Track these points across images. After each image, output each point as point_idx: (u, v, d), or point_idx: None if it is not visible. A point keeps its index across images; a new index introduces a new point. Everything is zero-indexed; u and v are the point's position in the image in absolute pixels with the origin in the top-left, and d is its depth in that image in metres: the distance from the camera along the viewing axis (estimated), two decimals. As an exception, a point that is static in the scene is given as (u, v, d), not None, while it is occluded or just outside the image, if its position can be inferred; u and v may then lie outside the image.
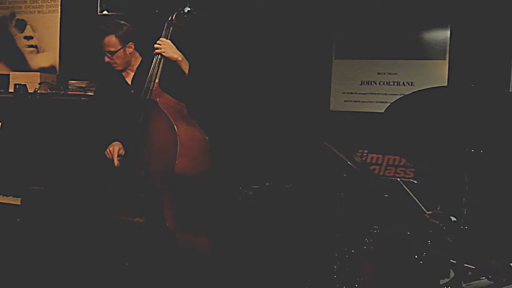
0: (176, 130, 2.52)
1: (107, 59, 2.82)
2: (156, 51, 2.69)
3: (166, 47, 2.69)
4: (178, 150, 2.49)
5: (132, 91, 2.85)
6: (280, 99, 3.36)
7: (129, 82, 2.94)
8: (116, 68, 2.86)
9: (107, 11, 3.79)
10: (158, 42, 2.71)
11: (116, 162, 2.68)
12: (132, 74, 2.93)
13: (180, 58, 2.71)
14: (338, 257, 2.50)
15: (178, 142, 2.50)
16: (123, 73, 2.95)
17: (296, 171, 3.15)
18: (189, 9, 2.75)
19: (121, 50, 2.81)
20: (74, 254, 2.88)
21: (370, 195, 2.75)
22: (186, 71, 2.73)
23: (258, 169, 3.25)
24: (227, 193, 3.12)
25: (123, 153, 2.72)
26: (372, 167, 3.10)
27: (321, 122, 3.32)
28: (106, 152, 2.73)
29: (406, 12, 3.22)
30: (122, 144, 2.74)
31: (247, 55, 3.39)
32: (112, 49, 2.79)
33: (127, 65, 2.90)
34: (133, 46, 2.88)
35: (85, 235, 2.82)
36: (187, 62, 2.74)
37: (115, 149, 2.71)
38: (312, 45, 3.36)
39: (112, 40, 2.78)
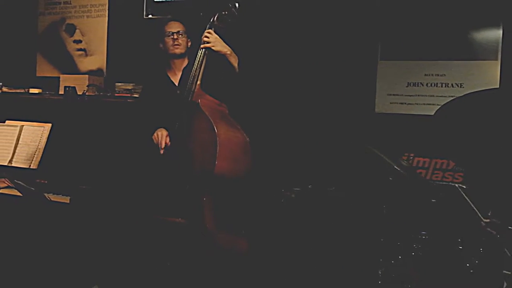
0: (216, 131, 2.51)
1: (176, 36, 2.86)
2: (204, 45, 2.67)
3: (214, 41, 2.67)
4: (217, 152, 2.48)
5: (178, 92, 2.87)
6: (324, 101, 3.29)
7: (176, 83, 2.97)
8: (177, 50, 2.90)
9: (152, 15, 3.84)
10: (205, 34, 2.69)
11: (163, 145, 2.70)
12: (179, 74, 2.97)
13: (229, 52, 2.70)
14: (383, 263, 2.42)
15: (218, 143, 2.49)
16: (170, 74, 2.99)
17: (340, 174, 3.08)
18: (229, 9, 2.73)
19: (187, 38, 2.92)
20: (119, 253, 2.92)
21: (417, 199, 2.66)
22: (236, 65, 2.71)
23: (301, 171, 3.20)
24: (268, 195, 3.09)
25: (169, 143, 2.72)
26: (418, 171, 3.00)
27: (366, 125, 3.24)
28: (153, 136, 2.75)
29: (455, 10, 3.10)
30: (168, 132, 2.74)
31: (292, 55, 3.35)
32: (179, 29, 2.89)
33: (184, 53, 2.93)
34: (190, 43, 2.94)
35: (129, 234, 2.85)
36: (236, 56, 2.72)
37: (163, 134, 2.73)
38: (357, 46, 3.28)
39: (177, 23, 2.92)
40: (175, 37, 2.88)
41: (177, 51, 2.91)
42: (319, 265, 2.81)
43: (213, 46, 2.66)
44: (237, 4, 2.72)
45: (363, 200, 2.86)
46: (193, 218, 2.56)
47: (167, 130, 2.76)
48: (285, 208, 3.00)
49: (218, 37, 2.69)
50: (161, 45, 2.95)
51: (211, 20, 2.74)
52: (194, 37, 2.95)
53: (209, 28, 2.72)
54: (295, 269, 2.82)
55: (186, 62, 2.97)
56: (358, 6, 3.26)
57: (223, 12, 2.73)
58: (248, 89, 2.80)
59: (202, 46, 2.68)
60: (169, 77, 2.99)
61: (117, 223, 2.91)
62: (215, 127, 2.52)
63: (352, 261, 2.73)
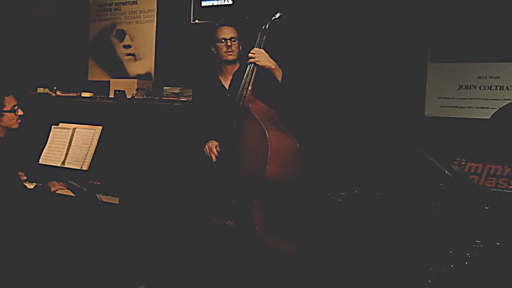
0: (268, 136, 2.53)
1: (229, 43, 2.90)
2: (250, 60, 2.74)
3: (259, 56, 2.74)
4: (269, 156, 2.50)
5: (228, 95, 2.91)
6: (373, 104, 3.23)
7: (227, 87, 3.00)
8: (230, 56, 2.94)
9: (198, 20, 3.88)
10: (252, 52, 2.76)
11: (214, 157, 2.76)
12: (230, 78, 3.00)
13: (273, 66, 2.75)
14: (433, 271, 2.35)
15: (269, 147, 2.51)
16: (221, 77, 3.02)
17: (388, 179, 3.02)
18: (279, 15, 2.76)
19: (239, 43, 2.95)
20: (167, 254, 2.96)
21: (469, 206, 2.56)
22: (279, 79, 2.75)
23: (348, 176, 3.16)
24: (315, 199, 3.05)
25: (218, 150, 2.78)
26: (470, 177, 2.89)
27: (415, 128, 3.15)
28: (204, 149, 2.82)
29: (509, 10, 2.98)
30: (218, 143, 2.80)
31: (339, 59, 3.31)
32: (232, 35, 2.93)
33: (236, 59, 2.97)
34: (241, 47, 2.97)
35: (178, 235, 2.89)
36: (280, 70, 2.76)
37: (213, 144, 2.79)
38: (407, 48, 3.20)
39: (230, 28, 2.95)
40: (229, 44, 2.92)
41: (230, 57, 2.95)
42: (365, 273, 2.75)
43: (258, 62, 2.73)
44: (287, 12, 2.76)
45: (412, 206, 2.78)
46: (243, 221, 2.58)
47: (217, 140, 2.81)
48: (331, 213, 2.97)
49: (264, 52, 2.75)
50: (213, 49, 2.98)
51: (263, 28, 2.78)
52: (245, 40, 2.97)
53: (261, 35, 2.78)
54: (341, 276, 2.78)
55: (237, 66, 3.01)
56: (407, 8, 3.18)
57: (274, 19, 2.77)
58: (296, 95, 2.80)
59: (249, 61, 2.76)
60: (221, 81, 3.02)
61: (166, 224, 2.96)
62: (266, 131, 2.54)
63: (401, 269, 2.66)
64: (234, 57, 2.96)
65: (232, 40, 2.92)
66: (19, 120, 2.96)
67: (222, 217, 2.63)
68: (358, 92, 3.26)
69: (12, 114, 2.91)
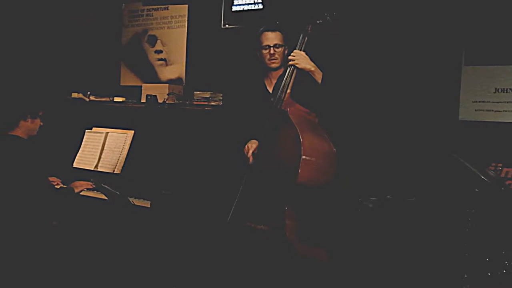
0: (301, 140, 2.51)
1: (272, 51, 2.87)
2: (290, 62, 2.73)
3: (299, 58, 2.72)
4: (301, 161, 2.48)
5: (271, 99, 2.87)
6: (406, 108, 3.18)
7: (270, 91, 2.98)
8: (273, 64, 2.92)
9: (229, 25, 3.90)
10: (292, 54, 2.74)
11: (250, 159, 2.75)
12: (274, 82, 2.98)
13: (313, 68, 2.72)
14: (467, 279, 2.30)
15: (302, 152, 2.49)
16: (266, 81, 3.01)
17: (422, 184, 2.96)
18: (323, 17, 2.75)
19: (283, 48, 2.92)
20: (199, 257, 2.98)
21: (506, 213, 2.50)
22: (319, 81, 2.73)
23: (380, 180, 3.12)
24: (347, 205, 3.01)
25: (256, 151, 2.76)
26: (507, 182, 2.82)
27: (449, 133, 3.09)
28: (245, 148, 2.80)
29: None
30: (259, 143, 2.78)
31: (375, 63, 3.27)
32: (275, 41, 2.88)
33: (280, 65, 2.94)
34: (287, 51, 2.93)
35: (209, 239, 2.91)
36: (320, 72, 2.74)
37: (253, 145, 2.78)
38: (440, 51, 3.14)
39: (278, 35, 2.90)
40: (272, 51, 2.88)
41: (273, 65, 2.92)
42: (398, 281, 2.71)
43: (297, 64, 2.71)
44: (333, 14, 2.75)
45: (446, 212, 2.73)
46: (275, 225, 2.57)
47: (258, 141, 2.79)
48: (362, 218, 2.93)
49: (303, 54, 2.73)
50: (258, 54, 2.96)
51: (305, 30, 2.77)
52: (291, 43, 2.94)
53: (303, 38, 2.76)
54: (373, 283, 2.74)
55: (281, 71, 2.96)
56: (442, 10, 3.13)
57: (317, 21, 2.75)
58: (335, 98, 2.78)
59: (289, 63, 2.74)
60: (265, 85, 3.01)
61: (196, 228, 2.98)
62: (300, 135, 2.52)
63: (435, 277, 2.61)
64: (278, 65, 2.92)
65: (276, 47, 2.88)
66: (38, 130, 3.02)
67: (255, 221, 2.63)
68: (392, 96, 3.22)
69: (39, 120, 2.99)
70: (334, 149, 2.62)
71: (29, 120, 2.90)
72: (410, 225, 2.82)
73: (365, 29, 3.31)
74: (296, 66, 2.71)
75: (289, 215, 2.55)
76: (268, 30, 2.90)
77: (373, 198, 2.96)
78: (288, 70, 2.73)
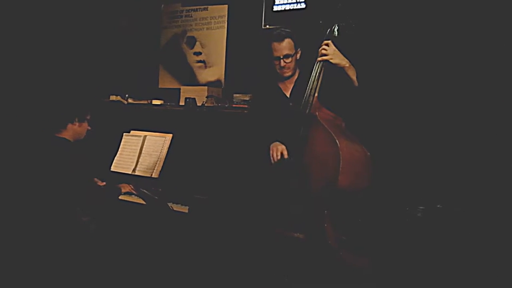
0: (338, 144, 2.53)
1: (282, 63, 2.90)
2: (322, 57, 2.66)
3: (333, 53, 2.66)
4: (340, 166, 2.51)
5: (290, 104, 2.93)
6: (454, 110, 3.14)
7: (288, 95, 3.01)
8: (285, 74, 2.94)
9: (269, 25, 3.94)
10: (323, 46, 2.68)
11: (275, 158, 2.75)
12: (291, 86, 3.01)
13: (347, 65, 2.69)
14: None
15: (341, 157, 2.51)
16: (281, 85, 3.04)
17: (473, 193, 2.93)
18: (347, 19, 2.74)
19: (295, 55, 2.93)
20: (234, 266, 3.02)
21: None
22: (354, 78, 2.70)
23: (429, 188, 3.10)
24: (391, 213, 3.04)
25: (286, 156, 2.76)
26: None
27: (507, 140, 3.02)
28: (271, 152, 2.80)
29: None
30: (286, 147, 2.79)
31: (414, 63, 3.25)
32: (289, 52, 2.89)
33: (293, 73, 2.97)
34: (300, 53, 2.96)
35: (246, 246, 2.94)
36: (354, 69, 2.71)
37: (278, 148, 2.77)
38: (491, 49, 3.08)
39: (289, 43, 2.89)
40: (282, 64, 2.90)
41: (286, 75, 2.95)
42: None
43: (331, 59, 2.65)
44: (355, 17, 2.72)
45: (499, 224, 2.70)
46: (313, 233, 2.60)
47: (283, 144, 2.81)
48: (409, 228, 2.93)
49: (336, 49, 2.68)
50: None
51: (328, 31, 2.74)
52: (307, 45, 2.96)
53: (326, 39, 2.72)
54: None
55: (297, 74, 3.01)
56: (494, 5, 3.06)
57: (341, 23, 2.73)
58: (368, 102, 2.78)
59: (319, 59, 2.67)
60: (281, 89, 3.04)
61: (234, 235, 3.02)
62: (336, 140, 2.54)
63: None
64: (290, 74, 2.95)
65: (286, 57, 2.89)
66: (85, 134, 3.16)
67: (291, 229, 2.66)
68: (438, 98, 3.18)
69: (87, 124, 3.13)
70: (368, 153, 2.63)
71: (77, 123, 3.02)
72: (461, 236, 2.81)
73: (404, 26, 3.27)
74: (329, 62, 2.64)
75: (329, 221, 2.58)
76: (276, 41, 2.89)
77: (421, 207, 2.95)
78: (315, 68, 2.68)
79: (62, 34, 4.56)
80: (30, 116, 4.03)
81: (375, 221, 2.95)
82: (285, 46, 2.89)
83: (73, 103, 3.08)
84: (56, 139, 2.98)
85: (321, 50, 2.68)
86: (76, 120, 3.03)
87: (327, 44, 2.67)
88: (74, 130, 3.03)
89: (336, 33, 2.71)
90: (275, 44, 2.90)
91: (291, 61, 2.92)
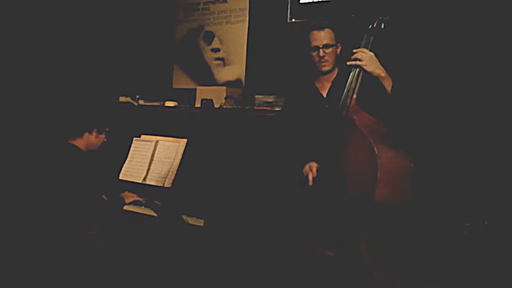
0: (377, 153, 2.48)
1: (322, 53, 2.90)
2: (355, 62, 2.69)
3: (368, 60, 2.68)
4: (378, 177, 2.45)
5: (326, 106, 2.89)
6: (508, 120, 3.06)
7: (324, 95, 3.00)
8: (324, 68, 2.94)
9: (295, 19, 3.92)
10: (359, 52, 2.70)
11: (310, 179, 2.74)
12: (328, 86, 2.99)
13: (383, 74, 2.69)
14: None
15: (379, 167, 2.46)
16: (318, 84, 3.03)
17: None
18: (390, 12, 2.71)
19: (335, 47, 2.93)
20: (256, 286, 2.98)
21: None
22: (389, 89, 2.69)
23: (475, 203, 3.03)
24: (433, 230, 2.98)
25: (316, 174, 2.76)
26: None
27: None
28: (304, 169, 2.80)
29: None
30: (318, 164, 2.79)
31: (459, 69, 3.18)
32: (330, 42, 2.90)
33: (332, 69, 2.96)
34: (340, 48, 2.95)
35: (269, 265, 2.91)
36: (390, 79, 2.70)
37: (313, 168, 2.76)
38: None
39: (330, 33, 2.91)
40: (321, 54, 2.90)
41: (324, 69, 2.94)
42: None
43: (365, 66, 2.67)
44: (400, 8, 2.73)
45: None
46: (346, 252, 2.56)
47: (317, 162, 2.79)
48: (453, 247, 2.89)
49: (373, 55, 2.69)
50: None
51: (370, 27, 2.73)
52: (346, 41, 2.95)
53: (368, 36, 2.72)
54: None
55: (335, 73, 3.00)
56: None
57: (383, 18, 2.71)
58: (407, 111, 2.73)
59: (353, 63, 2.69)
60: (318, 89, 3.03)
61: (256, 252, 2.99)
62: (375, 147, 2.49)
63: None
64: (329, 68, 2.95)
65: (326, 47, 2.90)
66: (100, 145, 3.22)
67: (321, 246, 2.62)
68: (490, 106, 3.11)
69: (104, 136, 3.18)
70: (412, 164, 2.57)
71: (94, 134, 3.10)
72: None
73: (454, 25, 3.22)
74: (363, 69, 2.67)
75: (363, 239, 2.54)
76: (316, 29, 2.91)
77: (467, 224, 2.92)
78: (353, 73, 2.70)
79: (70, 30, 4.61)
80: (43, 119, 4.12)
81: (415, 240, 2.90)
82: (325, 35, 2.91)
83: (94, 112, 3.16)
84: (68, 145, 3.03)
85: (355, 55, 2.70)
86: (95, 131, 3.10)
87: (363, 51, 2.69)
88: (89, 140, 3.11)
89: (382, 27, 2.72)
90: (315, 33, 2.91)
91: (332, 52, 2.93)
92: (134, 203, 3.31)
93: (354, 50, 2.70)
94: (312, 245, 2.66)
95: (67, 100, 4.03)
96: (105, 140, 3.19)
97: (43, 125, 3.17)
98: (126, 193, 3.33)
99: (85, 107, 3.19)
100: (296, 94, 3.15)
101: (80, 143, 3.05)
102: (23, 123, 4.24)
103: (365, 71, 2.67)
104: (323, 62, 2.91)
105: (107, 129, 3.16)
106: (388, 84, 2.69)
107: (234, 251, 3.03)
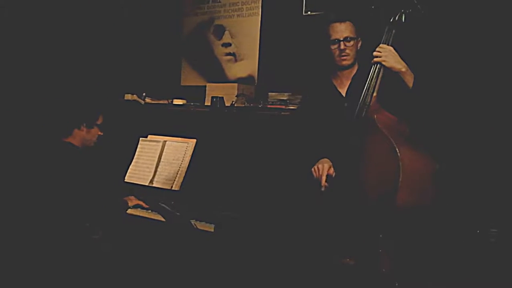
0: (399, 154, 2.48)
1: (343, 46, 2.92)
2: (376, 59, 2.71)
3: (387, 55, 2.70)
4: (400, 179, 2.45)
5: (345, 104, 2.90)
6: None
7: (343, 94, 3.01)
8: (344, 62, 2.95)
9: (311, 11, 3.91)
10: (377, 49, 2.73)
11: (323, 182, 2.75)
12: (348, 83, 3.00)
13: (404, 69, 2.70)
14: None
15: (401, 169, 2.46)
16: (336, 82, 3.04)
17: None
18: (413, 4, 2.72)
19: (356, 41, 2.96)
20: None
21: None
22: (410, 84, 2.71)
23: (502, 208, 3.01)
24: (458, 236, 2.96)
25: (333, 174, 2.77)
26: None
27: None
28: (313, 169, 2.82)
29: None
30: (332, 163, 2.80)
31: (485, 63, 3.15)
32: (351, 35, 2.92)
33: (352, 63, 2.97)
34: (360, 43, 2.98)
35: (283, 274, 2.91)
36: (412, 74, 2.71)
37: (324, 167, 2.78)
38: None
39: (350, 26, 2.94)
40: (342, 47, 2.92)
41: (344, 63, 2.97)
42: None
43: (384, 62, 2.70)
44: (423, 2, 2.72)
45: None
46: (365, 259, 2.56)
47: (330, 160, 2.81)
48: (480, 255, 2.87)
49: (392, 50, 2.71)
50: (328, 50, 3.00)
51: (391, 20, 2.75)
52: (366, 35, 2.96)
53: (389, 30, 2.74)
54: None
55: (355, 69, 3.02)
56: None
57: (406, 10, 2.73)
58: (432, 105, 2.73)
59: (374, 60, 2.73)
60: (335, 87, 3.04)
61: (269, 260, 2.99)
62: (397, 149, 2.49)
63: None
64: (349, 62, 2.97)
65: (347, 40, 2.92)
66: (95, 140, 3.24)
67: (339, 253, 2.62)
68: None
69: (97, 130, 3.19)
70: (437, 166, 2.58)
71: (84, 129, 3.11)
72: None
73: (473, 16, 3.19)
74: (382, 64, 2.70)
75: (385, 246, 2.54)
76: (336, 21, 2.94)
77: (495, 230, 2.91)
78: (373, 69, 2.72)
79: (70, 22, 4.61)
80: (31, 118, 4.12)
81: (439, 247, 2.90)
82: (346, 28, 2.93)
83: (79, 106, 3.17)
84: (59, 143, 3.06)
85: (375, 53, 2.73)
86: (84, 125, 3.11)
87: (382, 47, 2.73)
88: (82, 137, 3.12)
89: (403, 19, 2.74)
90: (335, 25, 2.94)
91: (353, 46, 2.96)
92: (137, 206, 3.33)
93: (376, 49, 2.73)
94: (329, 252, 2.66)
95: (61, 97, 4.02)
96: (101, 133, 3.19)
97: (43, 125, 3.18)
98: (130, 197, 3.36)
99: (66, 100, 3.23)
100: (312, 92, 3.17)
101: (73, 140, 3.07)
102: (17, 122, 4.24)
103: (384, 67, 2.70)
104: (344, 55, 2.93)
105: (98, 122, 3.15)
106: (409, 80, 2.70)
107: (247, 258, 3.03)
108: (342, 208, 2.65)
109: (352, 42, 2.93)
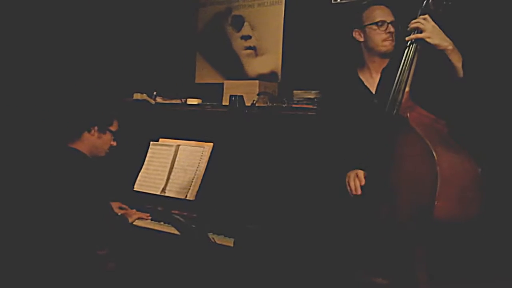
0: (436, 158, 2.46)
1: (387, 30, 2.92)
2: (416, 35, 2.62)
3: (432, 31, 2.62)
4: (438, 187, 2.44)
5: (375, 101, 2.91)
6: None
7: (372, 90, 3.01)
8: (387, 48, 2.95)
9: (340, 0, 3.93)
10: (419, 20, 2.63)
11: (358, 191, 2.76)
12: (378, 78, 3.00)
13: (450, 47, 2.62)
14: None
15: (439, 175, 2.44)
16: (363, 77, 3.05)
17: None
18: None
19: (393, 24, 2.95)
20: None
21: None
22: (459, 65, 2.64)
23: None
24: (506, 250, 2.96)
25: (363, 183, 2.76)
26: None
27: None
28: (347, 180, 2.81)
29: None
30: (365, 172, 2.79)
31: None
32: (390, 18, 2.95)
33: (391, 52, 2.97)
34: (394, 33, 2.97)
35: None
36: (460, 54, 2.65)
37: (361, 177, 2.77)
38: None
39: (386, 10, 2.98)
40: (388, 30, 2.93)
41: (386, 48, 2.96)
42: None
43: (428, 38, 2.61)
44: None
45: None
46: (400, 278, 2.56)
47: (363, 170, 2.79)
48: None
49: (436, 25, 2.62)
50: (358, 36, 3.02)
51: (424, 3, 2.70)
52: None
53: (422, 14, 2.68)
54: None
55: (386, 62, 3.02)
56: None
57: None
58: (480, 99, 2.72)
59: (413, 36, 2.64)
60: (363, 81, 3.04)
61: (295, 278, 3.01)
62: (434, 152, 2.47)
63: None
64: (391, 49, 2.96)
65: (392, 24, 2.93)
66: (107, 150, 3.23)
67: (371, 272, 2.64)
68: None
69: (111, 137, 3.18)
70: (479, 169, 2.53)
71: (95, 133, 3.07)
72: None
73: None
74: (424, 41, 2.60)
75: (421, 263, 2.54)
76: (379, 4, 2.98)
77: None
78: (408, 51, 2.66)
79: (76, 15, 4.68)
80: (32, 118, 4.22)
81: (483, 262, 2.89)
82: (380, 13, 2.97)
83: (91, 105, 3.15)
84: (65, 149, 3.04)
85: (414, 24, 2.64)
86: (95, 129, 3.08)
87: (425, 19, 2.63)
88: (92, 142, 3.09)
89: (432, 5, 2.67)
90: (378, 8, 2.97)
91: (391, 31, 2.95)
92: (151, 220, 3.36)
93: (413, 21, 2.66)
94: (361, 270, 2.67)
95: (67, 93, 4.08)
96: (113, 143, 3.15)
97: (43, 120, 3.15)
98: (129, 211, 3.40)
99: (80, 102, 3.17)
100: (338, 88, 3.16)
101: (81, 146, 3.04)
102: (19, 122, 4.32)
103: (428, 43, 2.60)
104: (389, 40, 2.94)
105: (112, 128, 3.11)
106: (457, 60, 2.63)
107: (269, 276, 3.05)
108: (374, 220, 2.66)
109: (392, 25, 2.94)
